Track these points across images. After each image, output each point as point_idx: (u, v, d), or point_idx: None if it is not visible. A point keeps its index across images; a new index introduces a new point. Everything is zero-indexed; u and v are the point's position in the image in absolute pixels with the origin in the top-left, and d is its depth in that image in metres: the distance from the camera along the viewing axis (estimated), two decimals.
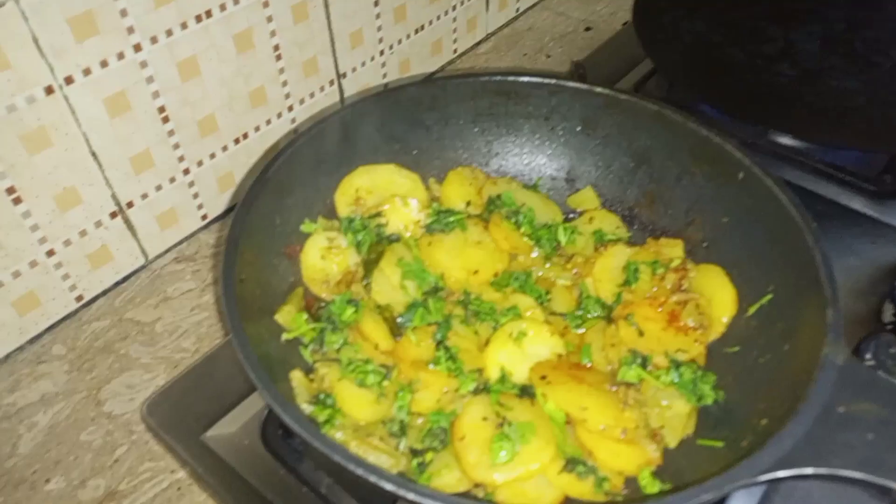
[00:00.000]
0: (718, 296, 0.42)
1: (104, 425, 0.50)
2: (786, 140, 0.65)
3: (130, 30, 0.50)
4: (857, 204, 0.61)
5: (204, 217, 0.63)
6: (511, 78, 0.49)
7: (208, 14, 0.54)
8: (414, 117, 0.49)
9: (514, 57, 0.81)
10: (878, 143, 0.61)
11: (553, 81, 0.49)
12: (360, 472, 0.30)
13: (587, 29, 0.86)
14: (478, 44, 0.84)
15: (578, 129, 0.50)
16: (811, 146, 0.64)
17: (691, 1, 0.71)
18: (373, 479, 0.30)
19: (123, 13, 0.49)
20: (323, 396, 0.36)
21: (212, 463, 0.46)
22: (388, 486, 0.30)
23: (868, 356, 0.47)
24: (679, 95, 0.66)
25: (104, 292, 0.58)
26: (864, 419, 0.28)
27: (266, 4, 0.58)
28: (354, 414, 0.36)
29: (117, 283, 0.59)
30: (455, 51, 0.81)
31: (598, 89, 0.48)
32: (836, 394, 0.30)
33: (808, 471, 0.27)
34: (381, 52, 0.72)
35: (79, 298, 0.57)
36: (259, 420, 0.47)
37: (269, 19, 0.59)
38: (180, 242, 0.62)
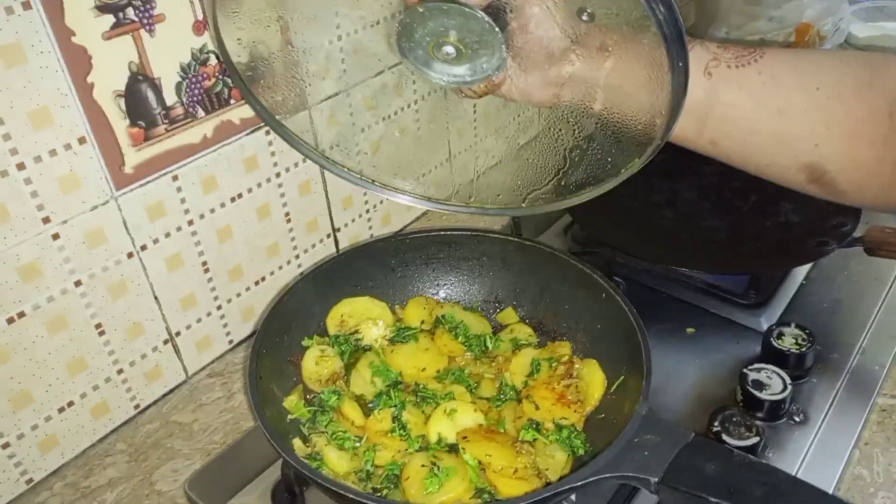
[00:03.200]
0: (593, 380, 0.60)
1: (156, 499, 0.66)
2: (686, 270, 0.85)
3: (186, 211, 0.72)
4: (729, 313, 0.80)
5: (231, 342, 0.82)
6: (449, 232, 0.70)
7: (240, 196, 0.77)
8: (382, 262, 0.70)
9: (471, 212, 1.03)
10: (737, 269, 0.81)
11: (479, 233, 0.70)
12: (341, 491, 0.47)
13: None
14: (447, 197, 1.07)
15: (500, 265, 0.70)
16: (699, 275, 0.84)
17: None
18: (352, 495, 0.46)
19: (182, 200, 0.72)
20: (314, 454, 0.54)
21: None
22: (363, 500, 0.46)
23: (716, 423, 0.64)
24: (593, 240, 0.87)
25: (155, 402, 0.77)
26: (645, 444, 0.45)
27: (280, 185, 0.81)
28: (335, 468, 0.53)
29: (165, 395, 0.77)
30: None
31: (510, 238, 0.69)
32: (636, 432, 0.47)
33: (607, 475, 0.44)
34: (367, 211, 0.94)
35: (136, 406, 0.75)
36: (269, 487, 0.64)
37: (282, 195, 0.82)
38: (213, 362, 0.81)
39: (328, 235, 0.89)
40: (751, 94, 0.47)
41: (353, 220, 0.92)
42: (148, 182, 0.67)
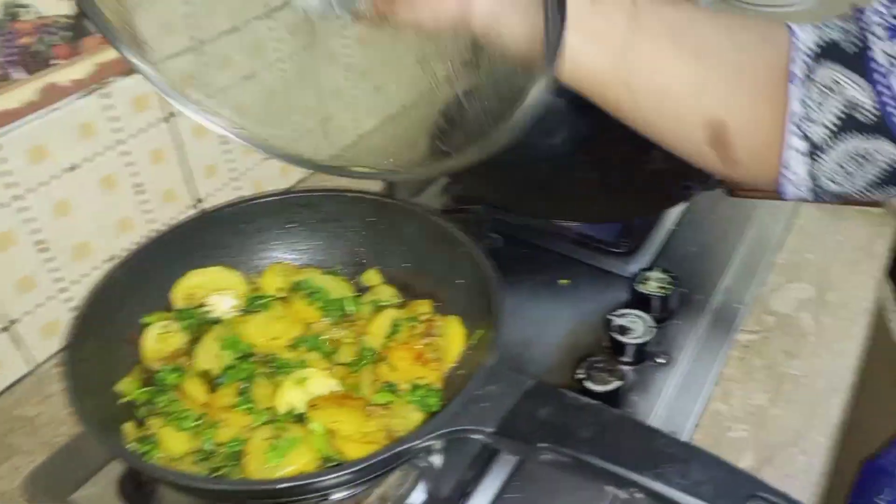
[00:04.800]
0: (453, 337, 0.58)
1: None
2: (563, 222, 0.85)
3: (11, 184, 0.65)
4: (602, 263, 0.80)
5: None
6: (305, 194, 0.66)
7: (77, 166, 0.70)
8: (235, 228, 0.65)
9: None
10: (608, 217, 0.82)
11: (337, 193, 0.66)
12: (168, 478, 0.43)
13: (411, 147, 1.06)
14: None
15: (360, 226, 0.67)
16: (573, 224, 0.84)
17: None
18: (183, 482, 0.43)
19: (7, 173, 0.65)
20: (147, 437, 0.50)
21: None
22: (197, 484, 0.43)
23: (580, 371, 0.64)
24: (470, 198, 0.85)
25: None
26: (487, 396, 0.44)
27: (126, 153, 0.74)
28: (172, 449, 0.50)
29: (8, 387, 0.71)
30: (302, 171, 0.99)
31: (368, 196, 0.66)
32: (480, 384, 0.46)
33: (443, 430, 0.42)
34: (236, 178, 0.89)
35: None
36: (116, 479, 0.59)
37: (129, 164, 0.75)
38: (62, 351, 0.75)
39: (192, 206, 0.83)
40: (671, 30, 0.45)
41: (219, 190, 0.86)
42: None
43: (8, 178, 0.64)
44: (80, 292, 0.74)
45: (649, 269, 0.73)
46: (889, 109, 0.39)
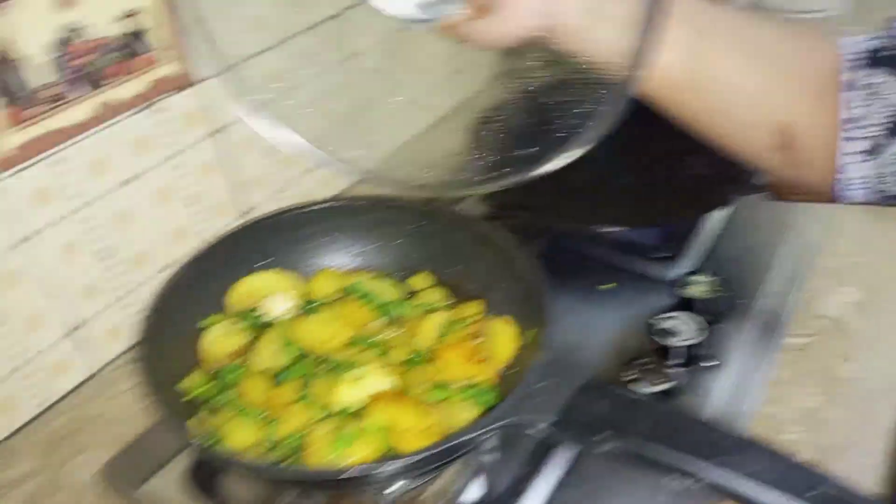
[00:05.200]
0: (503, 337, 0.59)
1: (67, 492, 0.63)
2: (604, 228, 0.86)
3: (75, 195, 0.69)
4: (644, 268, 0.81)
5: None
6: (354, 202, 0.69)
7: (135, 178, 0.73)
8: (287, 235, 0.67)
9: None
10: (649, 222, 0.82)
11: (381, 201, 0.68)
12: (243, 466, 0.45)
13: (452, 155, 1.08)
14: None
15: (409, 232, 0.68)
16: (614, 231, 0.85)
17: None
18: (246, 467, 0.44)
19: (70, 184, 0.68)
20: (213, 432, 0.52)
21: None
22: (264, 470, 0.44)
23: (630, 373, 0.65)
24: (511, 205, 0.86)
25: (63, 397, 0.73)
26: (543, 391, 0.45)
27: (176, 167, 0.77)
28: (238, 441, 0.51)
29: (73, 389, 0.74)
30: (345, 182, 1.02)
31: (415, 204, 0.68)
32: (535, 379, 0.47)
33: (501, 423, 0.43)
34: (281, 190, 0.91)
35: (42, 403, 0.72)
36: (187, 470, 0.61)
37: (181, 177, 0.78)
38: (123, 353, 0.77)
39: (240, 217, 0.86)
40: (738, 35, 0.46)
41: (266, 201, 0.89)
42: (29, 166, 0.64)
43: (71, 190, 0.68)
44: (139, 299, 0.77)
45: (690, 274, 0.73)
46: None
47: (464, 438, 0.43)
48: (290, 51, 0.84)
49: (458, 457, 0.46)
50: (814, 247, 0.82)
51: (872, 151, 0.43)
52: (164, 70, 0.73)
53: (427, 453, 0.43)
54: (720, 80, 0.46)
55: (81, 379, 0.74)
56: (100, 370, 0.75)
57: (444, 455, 0.44)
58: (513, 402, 0.44)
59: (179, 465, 0.62)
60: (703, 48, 0.46)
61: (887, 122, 0.42)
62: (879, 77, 0.43)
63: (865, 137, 0.43)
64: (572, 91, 0.47)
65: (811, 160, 0.47)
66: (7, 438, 0.69)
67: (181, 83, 0.74)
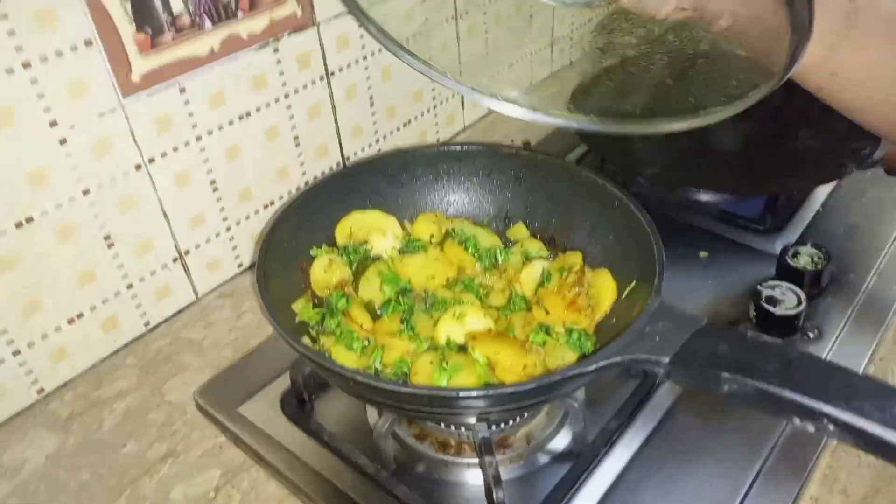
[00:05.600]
0: (604, 288, 0.59)
1: (165, 409, 0.67)
2: (701, 196, 0.84)
3: (194, 126, 0.72)
4: (743, 239, 0.79)
5: (240, 265, 0.82)
6: (460, 147, 0.69)
7: (248, 114, 0.76)
8: (390, 176, 0.69)
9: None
10: (753, 190, 0.80)
11: (490, 149, 0.69)
12: (349, 375, 0.46)
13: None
14: (457, 134, 1.06)
15: (510, 180, 0.69)
16: (714, 199, 0.83)
17: None
18: (360, 378, 0.46)
19: (190, 115, 0.71)
20: (322, 353, 0.53)
21: (244, 427, 0.62)
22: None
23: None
24: (609, 168, 0.86)
25: (165, 320, 0.77)
26: (657, 332, 0.45)
27: (289, 107, 0.80)
28: (344, 364, 0.53)
29: (175, 314, 0.77)
30: (438, 139, 1.03)
31: (521, 152, 0.68)
32: (648, 321, 0.47)
33: (618, 358, 0.43)
34: (377, 140, 0.93)
35: (147, 324, 0.75)
36: (278, 396, 0.64)
37: (291, 117, 0.80)
38: (222, 284, 0.81)
39: (337, 164, 0.88)
40: (888, 24, 0.46)
41: (363, 150, 0.91)
42: (155, 92, 0.66)
43: (190, 120, 0.71)
44: (241, 234, 0.80)
45: (802, 243, 0.71)
46: None
47: (578, 371, 0.44)
48: None
49: (561, 395, 0.47)
50: None
51: None
52: (287, 9, 0.74)
53: (538, 383, 0.43)
54: (859, 66, 0.46)
55: (184, 304, 0.77)
56: (201, 297, 0.78)
57: (551, 388, 0.45)
58: (628, 340, 0.44)
59: (275, 391, 0.64)
60: (848, 36, 0.46)
61: None
62: None
63: None
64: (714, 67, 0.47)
65: None
66: (111, 356, 0.73)
67: (302, 23, 0.76)
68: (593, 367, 0.43)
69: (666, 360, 0.42)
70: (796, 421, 0.37)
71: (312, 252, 0.63)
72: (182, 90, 0.68)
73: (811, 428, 0.37)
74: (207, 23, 0.68)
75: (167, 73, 0.67)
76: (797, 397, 0.37)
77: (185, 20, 0.66)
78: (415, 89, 0.95)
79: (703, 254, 0.78)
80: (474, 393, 0.43)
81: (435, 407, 0.45)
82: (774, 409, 0.38)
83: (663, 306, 0.47)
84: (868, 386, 0.37)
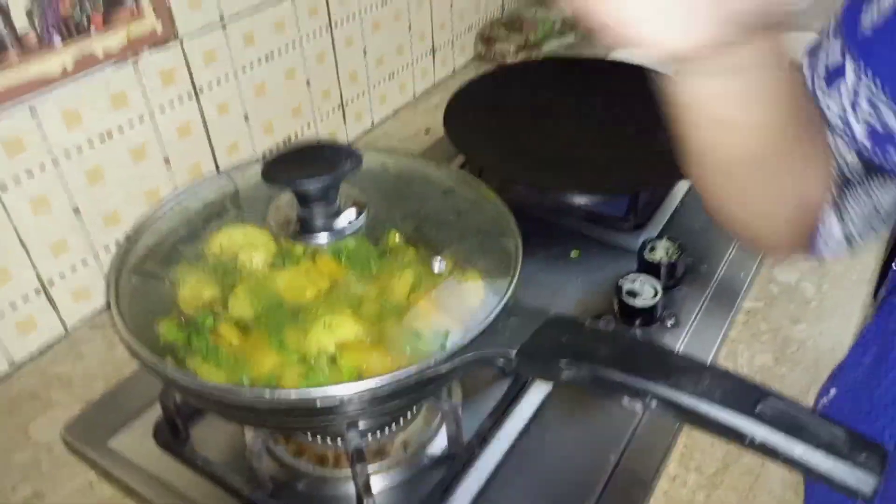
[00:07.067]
0: (473, 289, 0.61)
1: (30, 449, 0.63)
2: (572, 199, 0.89)
3: (49, 149, 0.69)
4: (610, 237, 0.84)
5: None
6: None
7: (109, 135, 0.73)
8: (264, 191, 0.68)
9: None
10: (616, 191, 0.85)
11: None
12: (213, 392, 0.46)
13: (427, 131, 1.10)
14: None
15: (381, 190, 0.70)
16: (584, 202, 0.88)
17: (488, 116, 0.96)
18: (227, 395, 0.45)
19: (44, 137, 0.68)
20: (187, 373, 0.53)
21: (114, 461, 0.60)
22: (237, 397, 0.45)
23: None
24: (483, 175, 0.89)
25: (31, 356, 0.73)
26: (508, 326, 0.47)
27: (156, 126, 0.78)
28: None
29: (41, 348, 0.74)
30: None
31: (388, 155, 0.70)
32: (499, 317, 0.49)
33: (467, 355, 0.45)
34: (264, 157, 0.92)
35: (10, 363, 0.71)
36: (151, 426, 0.62)
37: (159, 137, 0.79)
38: (94, 314, 0.77)
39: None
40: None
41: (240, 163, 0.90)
42: (1, 113, 0.64)
43: (46, 142, 0.68)
44: (109, 259, 0.77)
45: (653, 239, 0.76)
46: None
47: (428, 367, 0.45)
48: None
49: (426, 395, 0.48)
50: None
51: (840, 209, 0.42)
52: (146, 24, 0.73)
53: (392, 379, 0.44)
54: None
55: (51, 338, 0.74)
56: (68, 330, 0.75)
57: (410, 388, 0.46)
58: (477, 336, 0.46)
59: (147, 421, 0.63)
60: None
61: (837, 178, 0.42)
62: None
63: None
64: None
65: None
66: None
67: (163, 38, 0.75)
68: (447, 365, 0.45)
69: (513, 353, 0.44)
70: (626, 400, 0.40)
71: (180, 270, 0.61)
72: (33, 111, 0.66)
73: (638, 406, 0.40)
74: (57, 40, 0.66)
75: (14, 93, 0.64)
76: (624, 378, 0.40)
77: (32, 38, 0.64)
78: (293, 104, 0.95)
79: (574, 253, 0.82)
80: (320, 395, 0.44)
81: (294, 417, 0.45)
82: (607, 390, 0.41)
83: (515, 303, 0.50)
84: (685, 364, 0.41)
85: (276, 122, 0.93)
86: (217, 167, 0.86)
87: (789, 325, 0.72)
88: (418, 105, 1.15)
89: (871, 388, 0.45)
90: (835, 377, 0.53)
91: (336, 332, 0.56)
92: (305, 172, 0.54)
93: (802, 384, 0.67)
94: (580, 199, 0.87)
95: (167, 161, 0.80)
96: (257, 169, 0.68)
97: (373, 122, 1.11)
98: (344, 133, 1.06)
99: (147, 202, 0.79)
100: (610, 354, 0.41)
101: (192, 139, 0.82)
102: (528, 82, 1.01)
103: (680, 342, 0.69)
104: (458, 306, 0.60)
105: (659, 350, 0.43)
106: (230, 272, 0.62)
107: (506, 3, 1.35)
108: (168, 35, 0.75)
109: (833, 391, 0.51)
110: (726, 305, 0.74)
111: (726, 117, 0.38)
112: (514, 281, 0.52)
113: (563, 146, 0.92)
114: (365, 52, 1.04)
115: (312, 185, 0.54)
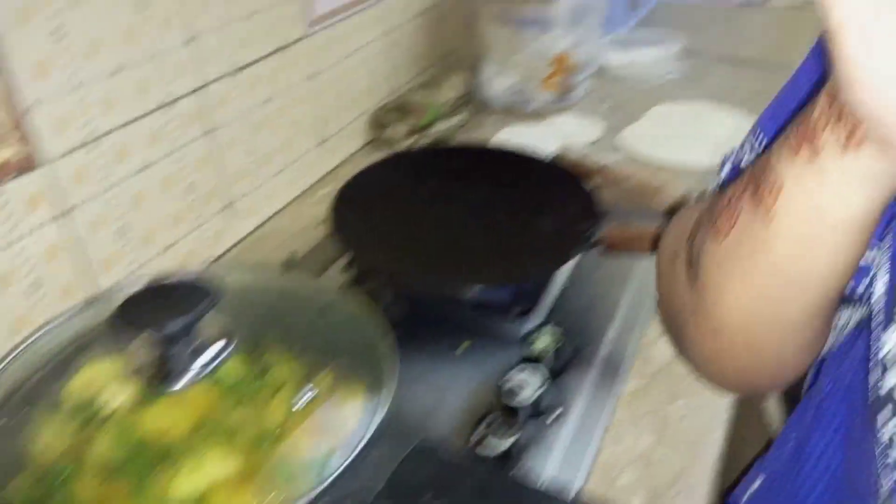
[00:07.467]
0: (353, 405, 0.61)
1: None
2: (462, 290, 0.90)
3: None
4: (496, 327, 0.85)
5: None
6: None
7: None
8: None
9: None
10: (501, 281, 0.87)
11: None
12: None
13: (318, 225, 1.09)
14: (227, 251, 1.04)
15: (257, 306, 0.69)
16: (471, 293, 0.89)
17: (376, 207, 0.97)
18: None
19: None
20: None
21: None
22: None
23: (480, 428, 0.67)
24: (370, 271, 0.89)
25: None
26: (374, 459, 0.47)
27: (21, 251, 0.74)
28: None
29: None
30: (209, 259, 1.01)
31: (267, 280, 0.69)
32: (367, 447, 0.48)
33: (327, 499, 0.44)
34: (134, 271, 0.90)
35: None
36: None
37: (24, 262, 0.75)
38: None
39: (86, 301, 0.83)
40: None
41: (126, 277, 0.87)
42: None
43: None
44: None
45: (537, 328, 0.78)
46: None
47: None
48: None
49: None
50: (648, 296, 0.90)
51: None
52: (9, 153, 0.71)
53: None
54: None
55: None
56: None
57: None
58: (336, 473, 0.46)
59: None
60: None
61: None
62: None
63: None
64: None
65: None
66: None
67: (28, 165, 0.73)
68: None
69: (375, 491, 0.44)
70: None
71: (36, 418, 0.58)
72: None
73: None
74: None
75: None
76: None
77: None
78: (174, 212, 0.94)
79: (464, 345, 0.83)
80: None
81: None
82: None
83: (384, 428, 0.49)
84: (544, 502, 0.41)
85: (157, 231, 0.91)
86: (96, 285, 0.83)
87: (667, 404, 0.75)
88: (309, 197, 1.16)
89: (791, 479, 0.48)
90: (759, 466, 0.55)
91: (203, 474, 0.54)
92: (161, 315, 0.52)
93: (680, 465, 0.69)
94: (467, 290, 0.89)
95: (35, 285, 0.76)
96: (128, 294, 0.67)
97: (262, 220, 1.10)
98: (233, 234, 1.04)
99: (10, 336, 0.74)
100: (470, 491, 0.41)
101: (59, 262, 0.79)
102: (416, 170, 1.03)
103: (566, 433, 0.70)
104: (335, 429, 0.60)
105: (520, 486, 0.43)
106: (91, 415, 0.59)
107: (396, 88, 1.38)
108: (32, 162, 0.73)
109: (758, 482, 0.53)
110: (609, 389, 0.76)
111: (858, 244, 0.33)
112: (383, 403, 0.52)
113: (450, 235, 0.94)
114: (250, 152, 1.04)
115: (168, 329, 0.52)
